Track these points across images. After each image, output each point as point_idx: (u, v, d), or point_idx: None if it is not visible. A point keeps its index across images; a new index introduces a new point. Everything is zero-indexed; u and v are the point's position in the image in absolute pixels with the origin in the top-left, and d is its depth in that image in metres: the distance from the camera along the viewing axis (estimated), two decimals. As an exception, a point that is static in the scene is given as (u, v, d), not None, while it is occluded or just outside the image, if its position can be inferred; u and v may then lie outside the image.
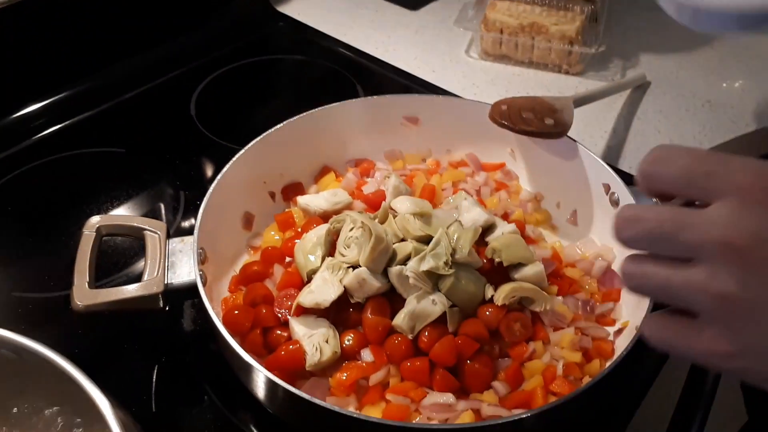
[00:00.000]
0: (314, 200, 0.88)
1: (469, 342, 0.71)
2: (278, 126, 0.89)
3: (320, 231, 0.80)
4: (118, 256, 0.90)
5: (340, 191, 0.89)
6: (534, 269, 0.76)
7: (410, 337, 0.71)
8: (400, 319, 0.72)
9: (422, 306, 0.72)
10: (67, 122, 1.12)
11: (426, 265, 0.72)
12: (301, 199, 0.89)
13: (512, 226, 0.82)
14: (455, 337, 0.72)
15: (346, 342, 0.72)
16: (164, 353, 0.80)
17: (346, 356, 0.72)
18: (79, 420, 0.59)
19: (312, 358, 0.70)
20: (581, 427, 0.71)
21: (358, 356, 0.72)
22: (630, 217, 0.46)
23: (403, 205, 0.81)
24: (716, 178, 0.44)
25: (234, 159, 0.84)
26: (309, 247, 0.78)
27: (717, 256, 0.43)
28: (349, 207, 0.87)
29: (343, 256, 0.76)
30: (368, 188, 0.91)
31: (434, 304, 0.72)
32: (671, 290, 0.45)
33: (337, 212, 0.85)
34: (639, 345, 0.66)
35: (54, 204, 0.99)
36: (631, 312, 0.78)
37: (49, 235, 0.94)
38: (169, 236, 0.78)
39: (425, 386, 0.70)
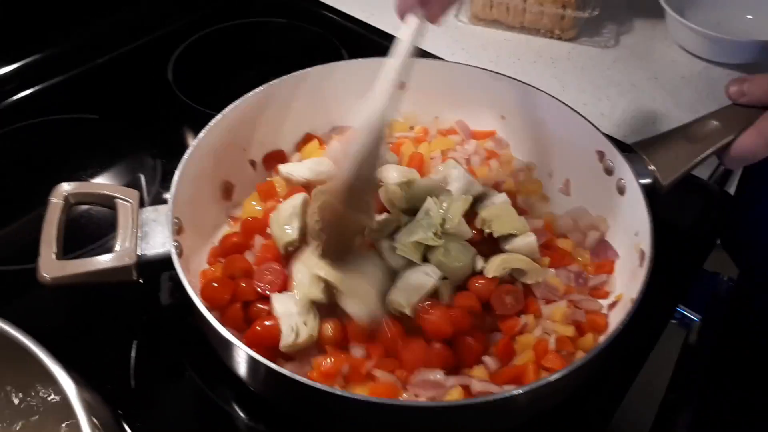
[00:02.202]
0: (297, 169, 0.84)
1: (465, 314, 0.69)
2: (257, 90, 0.85)
3: (296, 201, 0.76)
4: (92, 228, 0.86)
5: (325, 160, 0.85)
6: (526, 240, 0.74)
7: (408, 312, 0.69)
8: (396, 294, 0.69)
9: (415, 278, 0.70)
10: (38, 87, 1.08)
11: (415, 236, 0.69)
12: (284, 168, 0.85)
13: (503, 196, 0.79)
14: (449, 308, 0.69)
15: (328, 332, 0.69)
16: (142, 328, 0.77)
17: (323, 341, 0.69)
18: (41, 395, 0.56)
19: (287, 338, 0.67)
20: (574, 403, 0.69)
21: (343, 345, 0.69)
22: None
23: (390, 174, 0.78)
24: None
25: (210, 124, 0.80)
26: (284, 217, 0.75)
27: None
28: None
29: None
30: (353, 156, 0.87)
31: (427, 276, 0.70)
32: None
33: (322, 182, 0.81)
34: (634, 318, 0.64)
35: (24, 172, 0.95)
36: (625, 284, 0.75)
37: (18, 204, 0.89)
38: (142, 205, 0.74)
39: (421, 365, 0.67)
